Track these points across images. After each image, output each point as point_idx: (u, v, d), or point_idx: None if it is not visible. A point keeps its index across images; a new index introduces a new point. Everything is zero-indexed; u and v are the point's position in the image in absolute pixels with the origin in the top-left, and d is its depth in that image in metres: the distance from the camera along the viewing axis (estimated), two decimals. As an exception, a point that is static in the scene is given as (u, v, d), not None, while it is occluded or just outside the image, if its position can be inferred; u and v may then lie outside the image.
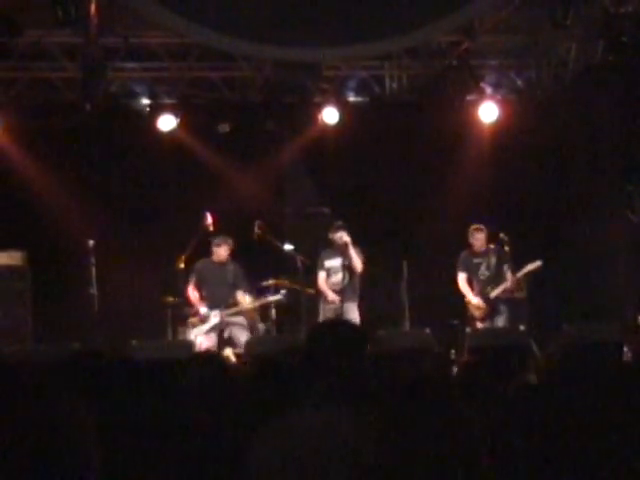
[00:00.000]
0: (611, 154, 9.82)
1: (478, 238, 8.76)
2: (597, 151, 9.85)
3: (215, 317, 8.52)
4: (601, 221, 9.74)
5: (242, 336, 8.51)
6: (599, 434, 2.38)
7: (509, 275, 8.67)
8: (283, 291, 8.74)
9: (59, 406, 0.88)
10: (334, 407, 2.36)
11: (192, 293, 8.59)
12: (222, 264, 8.61)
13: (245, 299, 8.63)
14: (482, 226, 8.83)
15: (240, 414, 2.93)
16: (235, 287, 8.64)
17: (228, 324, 8.59)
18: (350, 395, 2.42)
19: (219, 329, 8.52)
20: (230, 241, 8.63)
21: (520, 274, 8.72)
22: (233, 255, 8.71)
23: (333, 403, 2.38)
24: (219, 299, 8.55)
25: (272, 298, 8.70)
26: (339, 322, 2.98)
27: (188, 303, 8.62)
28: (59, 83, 9.20)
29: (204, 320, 8.53)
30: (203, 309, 8.54)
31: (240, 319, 8.65)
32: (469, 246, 8.86)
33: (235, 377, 3.48)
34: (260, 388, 3.30)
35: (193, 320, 8.57)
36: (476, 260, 8.83)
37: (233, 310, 8.59)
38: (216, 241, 8.60)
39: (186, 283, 8.66)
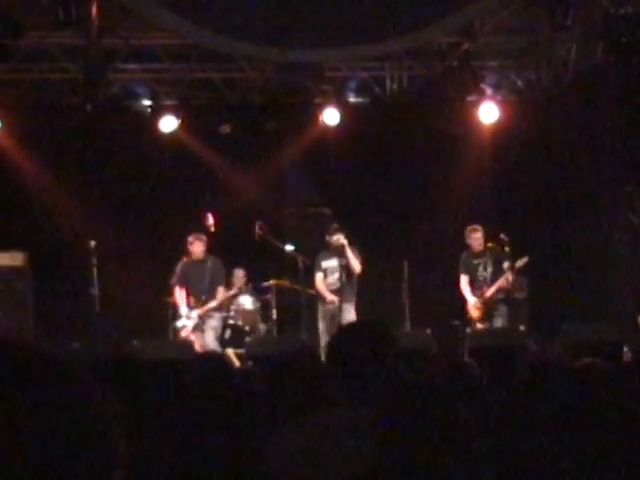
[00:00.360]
0: (611, 154, 9.80)
1: (475, 238, 8.74)
2: (597, 151, 9.84)
3: (194, 318, 8.42)
4: (601, 221, 9.72)
5: (208, 336, 8.39)
6: (598, 434, 2.39)
7: (509, 274, 8.64)
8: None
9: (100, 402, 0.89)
10: (356, 409, 2.35)
11: (179, 294, 8.49)
12: (200, 261, 8.51)
13: (218, 298, 8.54)
14: (478, 226, 8.79)
15: (254, 416, 2.93)
16: (214, 283, 8.54)
17: (204, 323, 8.47)
18: (374, 397, 2.42)
19: (201, 329, 8.41)
20: (203, 237, 8.51)
21: (510, 274, 8.70)
22: (210, 250, 8.58)
23: (356, 405, 2.38)
24: (199, 296, 8.46)
25: (232, 292, 8.69)
26: (367, 324, 2.96)
27: (173, 305, 8.54)
28: (60, 84, 9.21)
29: (188, 318, 8.46)
30: (184, 310, 8.43)
31: (213, 320, 8.52)
32: (468, 247, 8.85)
33: (245, 378, 3.48)
34: (275, 390, 3.29)
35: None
36: (475, 261, 8.81)
37: (208, 307, 8.46)
38: (189, 239, 8.50)
39: (171, 286, 8.64)
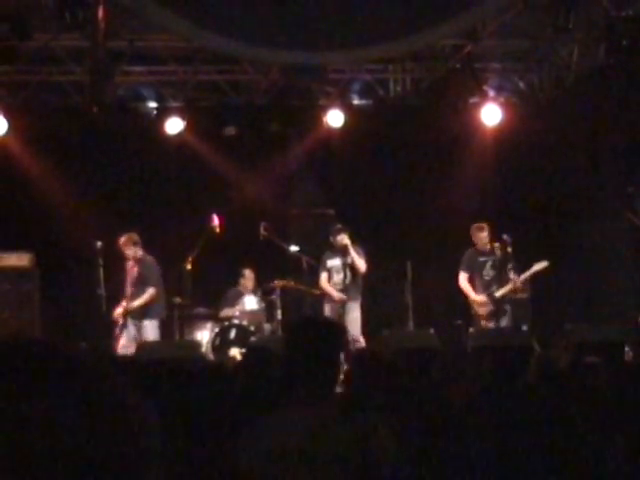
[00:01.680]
0: (613, 156, 9.77)
1: (481, 237, 8.68)
2: (599, 153, 9.80)
3: (131, 325, 8.30)
4: (603, 222, 9.69)
5: (148, 333, 8.25)
6: (600, 432, 2.35)
7: (513, 276, 8.58)
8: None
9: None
10: (316, 408, 2.32)
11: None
12: (132, 262, 8.32)
13: (144, 297, 8.30)
14: (484, 224, 8.75)
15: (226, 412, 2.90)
16: (143, 284, 8.34)
17: (138, 325, 8.32)
18: (332, 395, 2.38)
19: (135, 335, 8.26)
20: (134, 236, 8.30)
21: (527, 274, 8.65)
22: (146, 249, 8.41)
23: (315, 404, 2.34)
24: (130, 298, 8.30)
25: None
26: (314, 321, 2.90)
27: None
28: (67, 86, 9.18)
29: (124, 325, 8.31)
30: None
31: (148, 321, 8.34)
32: (473, 245, 8.78)
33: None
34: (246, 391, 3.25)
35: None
36: (481, 259, 8.74)
37: (134, 309, 8.30)
38: (121, 239, 8.31)
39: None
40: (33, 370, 0.86)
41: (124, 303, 8.28)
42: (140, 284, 8.32)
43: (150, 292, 8.32)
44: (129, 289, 8.29)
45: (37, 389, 0.84)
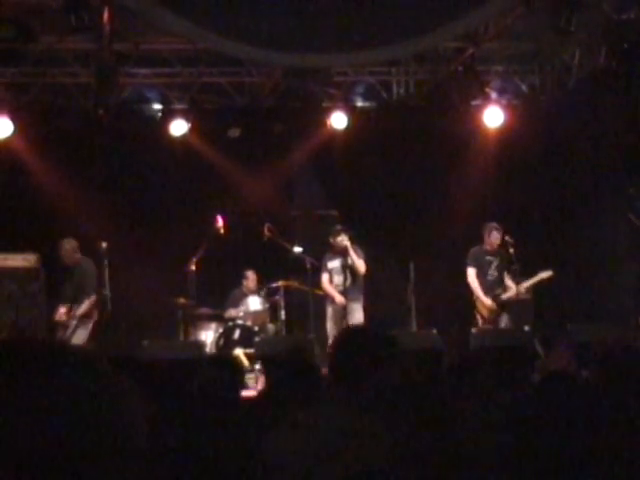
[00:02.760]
0: (613, 158, 9.74)
1: (496, 237, 8.61)
2: (600, 155, 9.77)
3: (69, 321, 8.26)
4: (604, 223, 9.66)
5: (79, 337, 8.20)
6: (601, 432, 2.33)
7: (509, 281, 8.56)
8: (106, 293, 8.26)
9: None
10: (352, 411, 2.29)
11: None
12: (71, 265, 8.30)
13: (86, 303, 8.28)
14: (499, 226, 8.70)
15: (253, 413, 2.88)
16: (80, 288, 8.31)
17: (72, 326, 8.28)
18: (370, 401, 2.37)
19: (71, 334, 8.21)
20: (73, 242, 8.30)
21: (531, 282, 8.60)
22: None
23: (351, 407, 2.32)
24: (68, 301, 8.30)
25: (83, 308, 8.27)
26: (366, 328, 2.95)
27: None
28: (72, 88, 9.16)
29: (63, 325, 8.28)
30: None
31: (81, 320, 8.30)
32: (481, 243, 8.72)
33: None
34: (272, 390, 3.23)
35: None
36: (488, 258, 8.70)
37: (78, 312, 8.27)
38: (58, 244, 8.31)
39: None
40: (28, 368, 0.88)
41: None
42: (78, 287, 8.34)
43: (87, 297, 8.33)
44: (69, 292, 8.36)
45: (32, 386, 0.86)
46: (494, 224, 8.69)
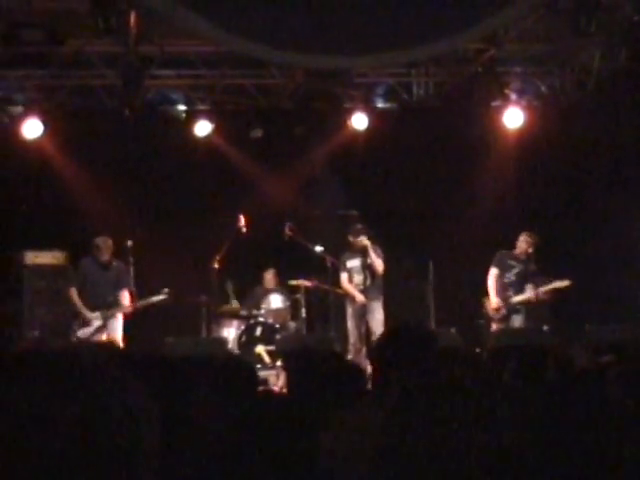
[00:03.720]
0: (633, 159, 9.68)
1: (526, 246, 8.63)
2: (619, 156, 9.72)
3: (98, 320, 8.22)
4: (623, 224, 9.61)
5: (114, 331, 8.22)
6: (620, 432, 2.34)
7: (530, 292, 8.56)
8: (166, 290, 8.34)
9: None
10: (398, 410, 2.33)
11: (75, 293, 8.28)
12: (105, 264, 8.30)
13: (126, 299, 8.32)
14: (534, 235, 8.70)
15: (285, 414, 2.91)
16: (118, 287, 8.36)
17: (109, 321, 8.28)
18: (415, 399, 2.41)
19: (102, 331, 8.22)
20: (110, 242, 8.30)
21: (546, 289, 8.60)
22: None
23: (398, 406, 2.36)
24: (102, 299, 8.24)
25: (155, 298, 8.32)
26: (408, 327, 2.96)
27: (71, 303, 8.30)
28: (99, 90, 9.29)
29: (87, 323, 8.22)
30: (86, 313, 8.21)
31: (117, 313, 8.32)
32: (511, 247, 8.77)
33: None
34: (302, 389, 3.26)
35: (75, 322, 8.25)
36: (511, 262, 8.74)
37: (114, 310, 8.28)
38: (96, 242, 8.27)
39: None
40: (42, 378, 0.89)
41: (97, 305, 8.30)
42: (116, 286, 8.38)
43: (124, 295, 8.37)
44: (102, 291, 8.33)
45: (48, 396, 0.87)
46: (530, 233, 8.72)
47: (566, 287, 8.55)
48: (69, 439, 0.86)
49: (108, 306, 8.26)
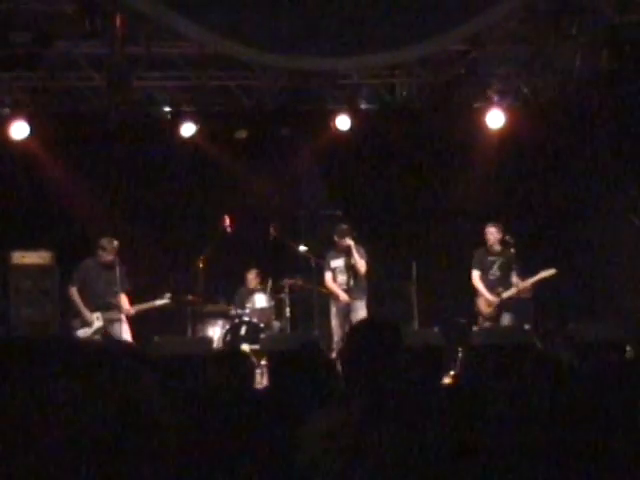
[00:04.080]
0: (615, 159, 9.80)
1: (495, 237, 8.67)
2: (601, 156, 9.84)
3: (98, 320, 8.24)
4: (605, 223, 9.74)
5: (125, 333, 8.25)
6: (601, 431, 2.37)
7: (516, 279, 8.60)
8: (168, 294, 8.41)
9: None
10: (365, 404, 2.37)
11: (76, 293, 8.27)
12: (107, 265, 8.28)
13: (124, 300, 8.33)
14: (499, 225, 8.77)
15: (262, 411, 2.95)
16: (119, 288, 8.32)
17: (110, 323, 8.30)
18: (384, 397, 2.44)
19: (103, 330, 8.24)
20: (115, 242, 8.29)
21: (533, 280, 8.66)
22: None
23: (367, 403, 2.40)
24: (102, 300, 8.25)
25: (158, 302, 8.38)
26: (374, 323, 2.97)
27: (71, 303, 8.30)
28: (85, 91, 9.30)
29: (88, 324, 8.24)
30: (86, 313, 8.22)
31: (119, 315, 8.33)
32: (484, 244, 8.81)
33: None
34: (282, 386, 3.30)
35: (75, 322, 8.26)
36: (490, 258, 8.78)
37: (115, 313, 8.29)
38: (101, 243, 8.26)
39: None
40: (55, 363, 0.87)
41: (98, 305, 8.29)
42: (118, 287, 8.37)
43: (124, 297, 8.37)
44: (104, 292, 8.30)
45: (57, 382, 0.85)
46: (492, 224, 8.76)
47: (552, 276, 8.61)
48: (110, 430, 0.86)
49: (108, 307, 8.30)
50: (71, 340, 0.97)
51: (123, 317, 8.36)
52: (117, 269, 8.29)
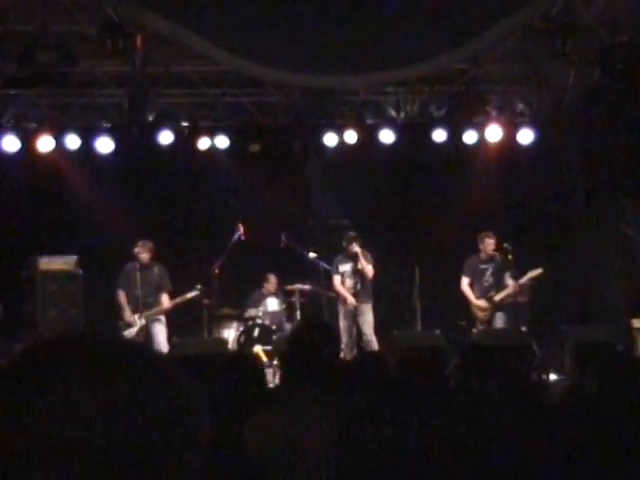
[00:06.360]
0: (606, 170, 9.83)
1: (488, 244, 8.68)
2: (593, 167, 9.87)
3: (140, 320, 8.33)
4: (598, 232, 9.75)
5: (160, 333, 8.33)
6: (592, 431, 2.35)
7: (510, 281, 8.61)
8: (198, 286, 8.47)
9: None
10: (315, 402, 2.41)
11: (122, 295, 8.43)
12: (146, 267, 8.40)
13: (166, 301, 8.42)
14: (491, 233, 8.78)
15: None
16: (159, 289, 8.44)
17: (150, 324, 8.37)
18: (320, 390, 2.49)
19: (145, 330, 8.33)
20: (150, 244, 8.40)
21: (522, 281, 8.67)
22: (157, 257, 8.50)
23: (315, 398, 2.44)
24: (141, 300, 8.33)
25: (189, 295, 8.42)
26: (313, 326, 3.04)
27: (118, 305, 8.43)
28: (108, 108, 9.41)
29: (130, 324, 8.35)
30: (127, 314, 8.36)
31: (159, 317, 8.42)
32: (477, 252, 8.81)
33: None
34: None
35: (121, 323, 8.39)
36: (482, 266, 8.78)
37: (154, 311, 8.38)
38: (137, 246, 8.36)
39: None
40: (87, 362, 0.84)
41: (138, 306, 8.39)
42: (157, 288, 8.49)
43: (165, 296, 8.45)
44: (143, 292, 8.39)
45: (90, 380, 0.82)
46: (487, 232, 8.76)
47: (540, 275, 8.59)
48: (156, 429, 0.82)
49: (148, 307, 8.38)
50: (110, 339, 0.92)
51: (162, 317, 8.44)
52: (155, 269, 8.37)
